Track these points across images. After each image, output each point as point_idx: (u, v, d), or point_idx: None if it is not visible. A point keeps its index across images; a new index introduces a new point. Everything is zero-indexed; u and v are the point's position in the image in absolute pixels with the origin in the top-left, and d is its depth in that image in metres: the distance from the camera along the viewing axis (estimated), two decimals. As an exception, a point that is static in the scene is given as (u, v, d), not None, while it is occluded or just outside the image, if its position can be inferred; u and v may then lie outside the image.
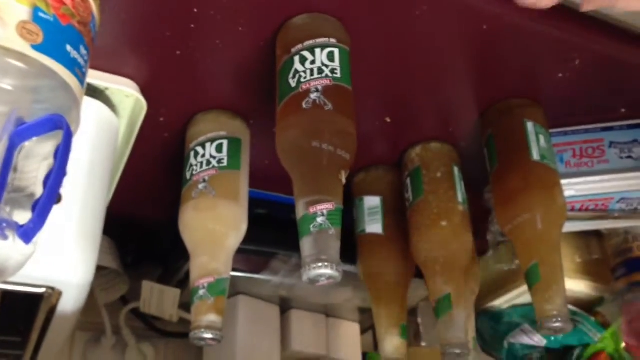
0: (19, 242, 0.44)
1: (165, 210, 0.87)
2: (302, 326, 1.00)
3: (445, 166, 0.80)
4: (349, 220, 0.87)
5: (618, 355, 0.97)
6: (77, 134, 0.50)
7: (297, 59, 0.60)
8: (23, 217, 0.46)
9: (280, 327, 0.99)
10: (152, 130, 0.74)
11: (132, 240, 0.99)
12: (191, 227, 0.70)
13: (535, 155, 0.73)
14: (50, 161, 0.48)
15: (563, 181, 0.75)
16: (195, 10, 0.61)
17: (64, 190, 0.60)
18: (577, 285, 0.97)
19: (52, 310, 0.64)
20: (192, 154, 0.72)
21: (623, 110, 0.78)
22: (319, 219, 0.53)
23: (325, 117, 0.57)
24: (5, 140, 0.45)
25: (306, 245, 0.54)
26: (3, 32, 0.45)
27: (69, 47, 0.49)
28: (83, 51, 0.51)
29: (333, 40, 0.61)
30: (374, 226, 0.83)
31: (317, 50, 0.60)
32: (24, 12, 0.46)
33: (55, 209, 0.47)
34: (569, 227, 0.81)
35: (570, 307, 0.72)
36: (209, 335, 0.64)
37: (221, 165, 0.71)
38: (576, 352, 0.99)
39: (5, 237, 0.43)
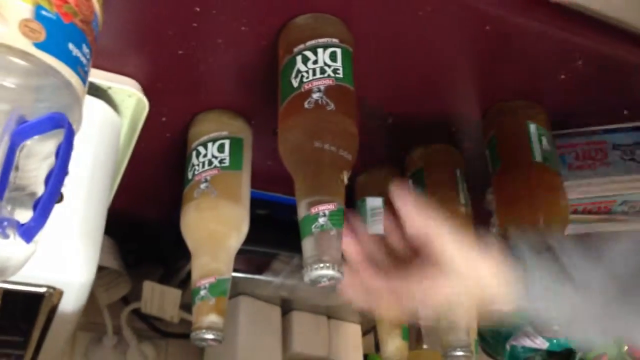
0: (20, 241, 0.44)
1: (166, 211, 0.87)
2: (303, 327, 1.00)
3: (448, 167, 0.80)
4: (350, 221, 0.87)
5: (621, 359, 0.97)
6: (79, 133, 0.50)
7: (299, 58, 0.60)
8: (24, 216, 0.45)
9: (281, 328, 0.99)
10: (154, 130, 0.74)
11: (134, 241, 0.99)
12: (193, 227, 0.69)
13: (538, 157, 0.73)
14: (51, 160, 0.48)
15: (565, 183, 0.74)
16: (197, 9, 0.61)
17: (65, 190, 0.59)
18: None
19: (53, 310, 0.64)
20: (194, 153, 0.72)
21: (626, 112, 0.78)
22: (321, 220, 0.53)
23: (327, 118, 0.57)
24: (6, 139, 0.45)
25: (308, 245, 0.53)
26: (5, 29, 0.45)
27: (71, 46, 0.49)
28: (85, 50, 0.51)
29: (335, 40, 0.61)
30: (376, 227, 0.83)
31: (320, 50, 0.60)
32: (26, 10, 0.46)
33: (57, 208, 0.47)
34: (571, 229, 0.80)
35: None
36: (210, 336, 0.63)
37: (223, 165, 0.71)
38: (578, 355, 0.98)
39: (6, 236, 0.43)
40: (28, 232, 0.44)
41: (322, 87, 0.58)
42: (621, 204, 0.81)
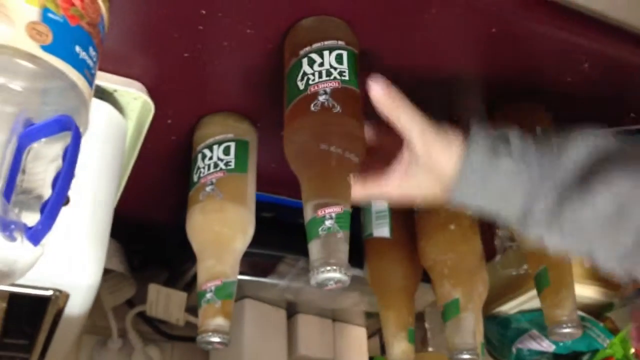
0: (28, 244, 0.44)
1: (172, 213, 0.87)
2: (308, 330, 1.00)
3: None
4: (356, 224, 0.86)
5: (627, 361, 0.96)
6: (85, 135, 0.50)
7: (305, 61, 0.60)
8: (31, 219, 0.45)
9: (286, 331, 0.98)
10: (159, 133, 0.74)
11: (139, 243, 0.99)
12: (198, 229, 0.69)
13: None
14: (58, 163, 0.48)
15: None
16: (203, 12, 0.61)
17: (71, 192, 0.59)
18: (585, 291, 0.96)
19: (59, 313, 0.64)
20: (200, 156, 0.72)
21: (632, 115, 0.78)
22: (328, 222, 0.53)
23: (333, 120, 0.57)
24: (14, 141, 0.45)
25: (314, 248, 0.53)
26: (12, 32, 0.45)
27: (78, 48, 0.49)
28: (92, 52, 0.51)
29: (341, 43, 0.61)
30: (381, 230, 0.83)
31: (326, 53, 0.60)
32: (33, 13, 0.46)
33: (63, 210, 0.47)
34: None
35: (579, 312, 0.71)
36: (216, 339, 0.63)
37: (228, 167, 0.71)
38: (585, 358, 0.98)
39: (14, 239, 0.43)
40: (35, 235, 0.44)
41: (328, 90, 0.58)
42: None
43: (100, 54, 0.54)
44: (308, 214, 0.54)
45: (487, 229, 0.85)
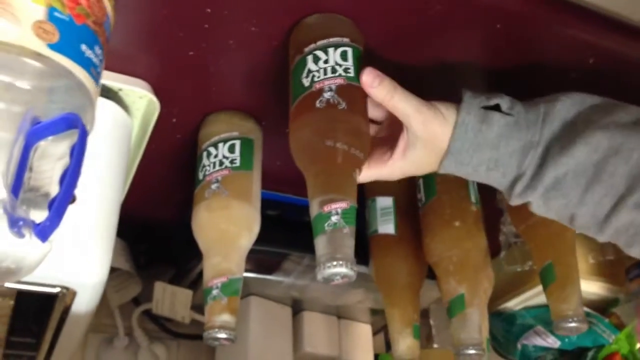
0: (36, 241, 0.44)
1: (177, 211, 0.88)
2: (314, 327, 1.00)
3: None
4: (361, 221, 0.86)
5: (632, 357, 0.96)
6: (91, 134, 0.50)
7: (310, 58, 0.60)
8: (37, 217, 0.46)
9: (292, 329, 0.99)
10: (164, 131, 0.74)
11: (145, 242, 0.99)
12: (204, 227, 0.70)
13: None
14: (64, 161, 0.48)
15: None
16: (209, 10, 0.61)
17: (78, 191, 0.60)
18: (591, 287, 0.97)
19: (66, 311, 0.65)
20: (205, 154, 0.72)
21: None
22: (334, 218, 0.53)
23: (338, 116, 0.57)
24: (21, 140, 0.45)
25: (320, 244, 0.53)
26: (19, 31, 0.45)
27: (84, 47, 0.49)
28: (98, 51, 0.51)
29: (346, 40, 0.61)
30: (386, 227, 0.83)
31: (331, 50, 0.60)
32: (39, 12, 0.46)
33: (70, 208, 0.47)
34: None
35: (585, 308, 0.71)
36: (222, 335, 0.63)
37: (234, 165, 0.71)
38: (590, 354, 0.98)
39: (22, 236, 0.44)
40: (43, 232, 0.44)
41: (333, 87, 0.58)
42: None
43: (106, 52, 0.54)
44: (314, 209, 0.55)
45: (492, 225, 0.86)
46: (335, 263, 0.51)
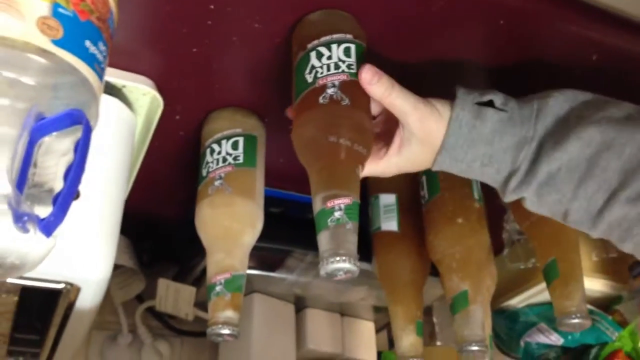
0: (40, 236, 0.44)
1: (180, 209, 0.88)
2: (317, 325, 1.00)
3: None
4: (364, 218, 0.87)
5: (636, 354, 0.96)
6: (95, 131, 0.50)
7: (313, 54, 0.60)
8: (42, 213, 0.46)
9: (295, 326, 0.99)
10: (168, 128, 0.74)
11: (148, 239, 0.99)
12: (207, 223, 0.70)
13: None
14: (69, 157, 0.49)
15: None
16: (212, 6, 0.61)
17: (82, 187, 0.60)
18: (594, 284, 0.97)
19: (70, 307, 0.65)
20: (208, 151, 0.73)
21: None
22: (337, 214, 0.53)
23: (342, 112, 0.57)
24: (25, 135, 0.45)
25: (323, 239, 0.53)
26: (23, 27, 0.45)
27: (88, 43, 0.49)
28: (102, 47, 0.51)
29: (349, 36, 0.61)
30: (389, 224, 0.83)
31: (334, 46, 0.60)
32: (43, 8, 0.47)
33: (74, 205, 0.47)
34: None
35: (588, 305, 0.71)
36: (226, 331, 0.64)
37: (237, 162, 0.71)
38: (593, 351, 0.98)
39: (27, 230, 0.44)
40: (48, 226, 0.44)
41: (336, 82, 0.58)
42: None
43: (110, 48, 0.54)
44: (317, 205, 0.55)
45: (495, 223, 0.86)
46: (338, 258, 0.52)
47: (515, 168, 0.58)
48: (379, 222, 0.84)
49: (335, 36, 0.61)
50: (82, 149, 0.47)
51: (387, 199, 0.84)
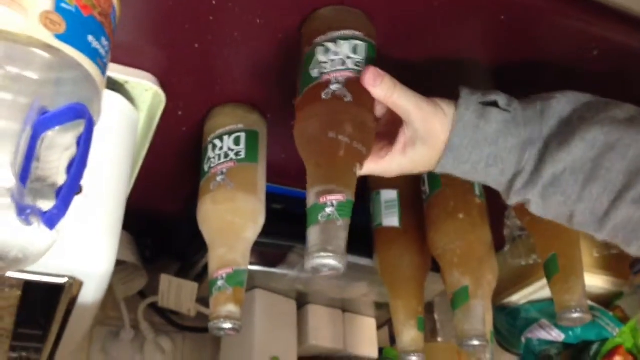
0: (44, 228, 0.45)
1: (183, 204, 0.88)
2: (318, 321, 1.00)
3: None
4: (365, 214, 0.87)
5: (637, 350, 0.96)
6: (97, 127, 0.50)
7: (320, 49, 0.60)
8: (44, 207, 0.46)
9: (296, 322, 0.99)
10: (170, 124, 0.75)
11: (150, 235, 1.00)
12: (209, 219, 0.70)
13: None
14: (71, 152, 0.49)
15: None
16: (214, 2, 0.61)
17: (84, 182, 0.60)
18: (594, 280, 0.97)
19: (72, 301, 0.65)
20: (210, 146, 0.73)
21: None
22: (328, 209, 0.53)
23: (343, 109, 0.57)
24: (28, 129, 0.46)
25: (312, 234, 0.53)
26: (26, 21, 0.45)
27: (90, 38, 0.49)
28: (104, 42, 0.51)
29: (359, 34, 0.61)
30: (390, 219, 0.83)
31: (342, 42, 0.60)
32: (46, 2, 0.47)
33: (77, 199, 0.47)
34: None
35: (589, 301, 0.71)
36: (228, 325, 0.64)
37: (239, 157, 0.71)
38: (594, 347, 0.98)
39: (30, 223, 0.44)
40: (51, 219, 0.45)
41: (341, 79, 0.58)
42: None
43: (112, 44, 0.54)
44: (310, 200, 0.54)
45: (496, 219, 0.86)
46: (324, 254, 0.51)
47: (520, 169, 0.58)
48: (380, 217, 0.84)
49: (345, 32, 0.60)
50: (84, 143, 0.47)
51: (389, 195, 0.84)
